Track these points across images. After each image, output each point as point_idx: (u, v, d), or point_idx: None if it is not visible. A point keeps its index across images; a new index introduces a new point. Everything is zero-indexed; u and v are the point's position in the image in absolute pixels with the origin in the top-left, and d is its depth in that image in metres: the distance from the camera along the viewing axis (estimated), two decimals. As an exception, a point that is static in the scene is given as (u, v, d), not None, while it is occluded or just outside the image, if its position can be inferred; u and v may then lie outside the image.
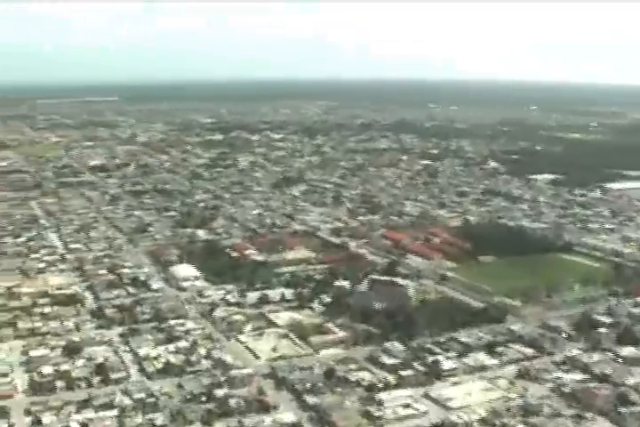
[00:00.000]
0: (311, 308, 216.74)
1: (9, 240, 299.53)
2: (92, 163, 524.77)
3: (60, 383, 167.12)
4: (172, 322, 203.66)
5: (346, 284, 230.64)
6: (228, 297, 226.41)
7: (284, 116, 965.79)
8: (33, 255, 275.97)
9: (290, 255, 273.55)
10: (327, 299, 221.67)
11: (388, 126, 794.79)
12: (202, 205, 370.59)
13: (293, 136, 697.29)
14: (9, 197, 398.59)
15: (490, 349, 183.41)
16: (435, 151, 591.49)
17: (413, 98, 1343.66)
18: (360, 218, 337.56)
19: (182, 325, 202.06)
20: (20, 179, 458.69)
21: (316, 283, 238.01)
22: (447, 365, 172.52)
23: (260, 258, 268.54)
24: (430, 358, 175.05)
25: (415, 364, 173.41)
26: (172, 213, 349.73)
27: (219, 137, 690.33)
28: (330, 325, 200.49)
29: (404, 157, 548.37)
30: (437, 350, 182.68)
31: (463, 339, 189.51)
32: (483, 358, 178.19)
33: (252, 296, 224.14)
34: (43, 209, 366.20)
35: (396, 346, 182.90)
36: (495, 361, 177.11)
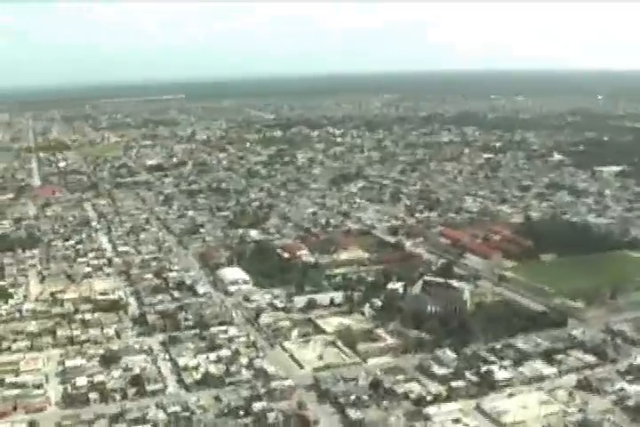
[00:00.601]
0: (361, 312, 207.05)
1: (59, 243, 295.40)
2: (149, 162, 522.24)
3: (93, 395, 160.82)
4: (215, 329, 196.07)
5: (399, 286, 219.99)
6: (276, 302, 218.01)
7: (345, 110, 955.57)
8: (80, 259, 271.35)
9: (343, 256, 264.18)
10: (378, 303, 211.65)
11: (451, 119, 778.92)
12: (256, 203, 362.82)
13: (354, 131, 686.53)
14: (64, 199, 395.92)
15: (548, 356, 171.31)
16: (498, 144, 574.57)
17: (477, 89, 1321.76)
18: (417, 215, 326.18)
19: (225, 332, 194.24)
20: (76, 180, 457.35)
21: (368, 285, 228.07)
22: (501, 374, 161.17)
23: (311, 259, 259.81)
24: (484, 368, 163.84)
25: (467, 373, 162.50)
26: (226, 213, 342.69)
27: (278, 133, 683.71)
28: (380, 331, 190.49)
29: (466, 151, 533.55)
30: (492, 358, 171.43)
31: (520, 346, 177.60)
32: (540, 366, 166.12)
33: (300, 300, 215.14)
34: (96, 211, 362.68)
35: (448, 354, 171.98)
36: (553, 370, 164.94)
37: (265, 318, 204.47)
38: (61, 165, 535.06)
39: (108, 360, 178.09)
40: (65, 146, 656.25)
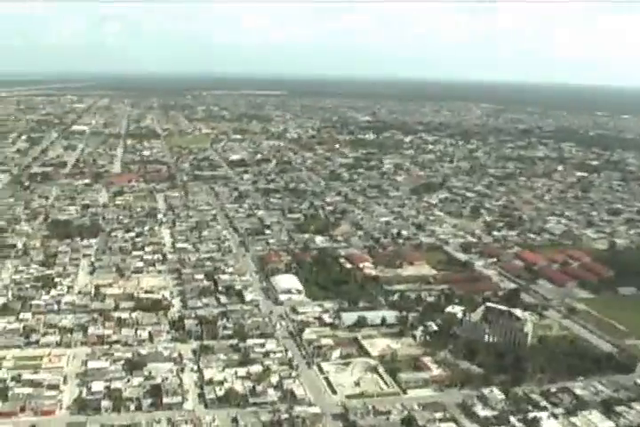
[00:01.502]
0: (413, 336, 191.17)
1: (119, 234, 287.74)
2: (233, 157, 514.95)
3: (106, 403, 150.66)
4: (252, 342, 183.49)
5: (458, 310, 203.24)
6: (324, 316, 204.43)
7: (443, 117, 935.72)
8: (135, 253, 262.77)
9: (407, 271, 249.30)
10: (433, 327, 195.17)
11: (550, 133, 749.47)
12: (330, 208, 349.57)
13: (447, 139, 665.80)
14: (138, 188, 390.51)
15: (608, 407, 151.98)
16: (594, 162, 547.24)
17: (582, 104, 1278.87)
18: (495, 233, 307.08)
19: (262, 346, 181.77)
20: (156, 169, 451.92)
21: (426, 306, 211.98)
22: (550, 424, 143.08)
23: (372, 272, 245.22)
24: (532, 414, 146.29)
25: (512, 418, 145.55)
26: (297, 216, 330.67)
27: (371, 136, 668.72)
28: (427, 359, 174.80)
29: (559, 168, 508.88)
30: (544, 402, 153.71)
31: (578, 391, 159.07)
32: (596, 418, 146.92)
33: (350, 317, 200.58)
34: (166, 203, 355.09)
35: (496, 394, 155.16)
36: (611, 424, 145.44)
37: (308, 334, 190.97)
38: (145, 153, 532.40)
39: (133, 366, 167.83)
40: (155, 134, 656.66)
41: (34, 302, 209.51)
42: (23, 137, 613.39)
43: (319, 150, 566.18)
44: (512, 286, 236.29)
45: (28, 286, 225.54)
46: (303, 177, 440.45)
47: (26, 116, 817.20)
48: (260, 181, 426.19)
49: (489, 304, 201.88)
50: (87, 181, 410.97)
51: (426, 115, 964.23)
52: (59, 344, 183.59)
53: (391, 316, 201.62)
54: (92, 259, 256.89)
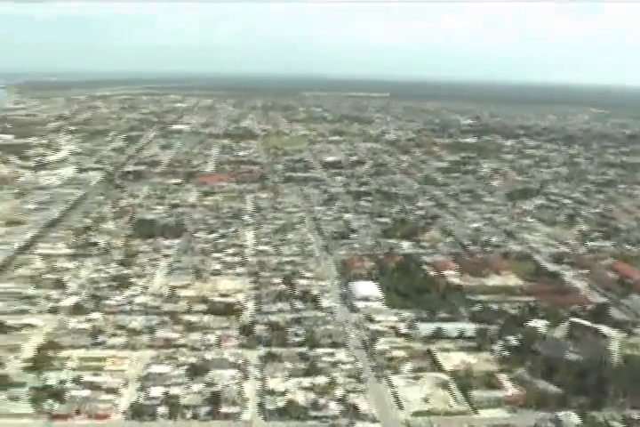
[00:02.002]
0: (491, 350, 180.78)
1: (202, 235, 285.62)
2: (328, 159, 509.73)
3: (162, 410, 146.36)
4: (322, 350, 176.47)
5: (541, 325, 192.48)
6: (400, 326, 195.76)
7: (548, 121, 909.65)
8: (215, 254, 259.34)
9: (492, 281, 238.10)
10: (513, 341, 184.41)
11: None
12: (420, 212, 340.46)
13: (549, 144, 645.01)
14: (228, 189, 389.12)
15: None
16: None
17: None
18: (589, 243, 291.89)
19: (332, 355, 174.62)
20: (248, 170, 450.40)
21: (508, 319, 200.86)
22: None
23: (456, 281, 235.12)
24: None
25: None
26: (385, 220, 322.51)
27: (471, 140, 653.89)
28: (503, 376, 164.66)
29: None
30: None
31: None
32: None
33: (426, 328, 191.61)
34: (254, 204, 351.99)
35: (572, 418, 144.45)
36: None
37: (381, 345, 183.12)
38: (240, 153, 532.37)
39: (195, 371, 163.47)
40: (252, 135, 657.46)
41: (106, 302, 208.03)
42: (122, 135, 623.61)
43: (416, 153, 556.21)
44: (602, 299, 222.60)
45: (104, 285, 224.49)
46: (396, 180, 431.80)
47: (128, 114, 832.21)
48: (352, 183, 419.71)
49: (574, 319, 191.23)
50: (179, 180, 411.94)
51: (529, 119, 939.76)
52: (125, 346, 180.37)
53: (470, 328, 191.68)
54: (172, 259, 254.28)
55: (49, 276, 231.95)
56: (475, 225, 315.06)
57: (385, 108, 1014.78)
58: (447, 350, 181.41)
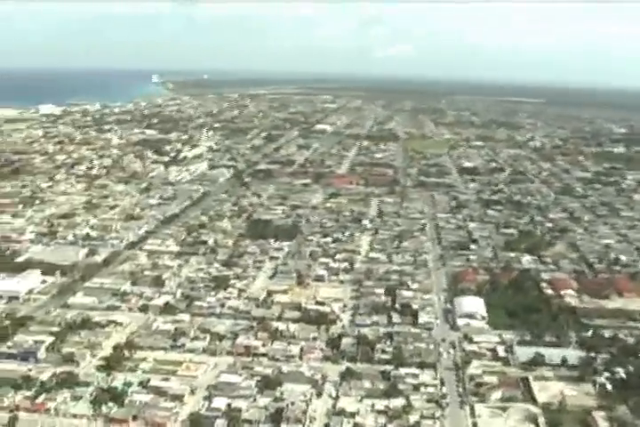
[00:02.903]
0: (594, 382, 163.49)
1: (314, 239, 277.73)
2: (466, 164, 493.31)
3: (220, 422, 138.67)
4: (406, 370, 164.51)
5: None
6: (499, 348, 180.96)
7: None
8: (323, 259, 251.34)
9: (613, 304, 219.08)
10: (621, 374, 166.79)
11: None
12: (549, 225, 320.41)
13: None
14: (356, 191, 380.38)
15: None
16: None
17: None
18: None
19: (415, 376, 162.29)
20: (381, 173, 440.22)
21: (620, 348, 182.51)
22: None
23: (572, 302, 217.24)
24: None
25: None
26: (510, 231, 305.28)
27: (620, 150, 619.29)
28: (600, 414, 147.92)
29: None
30: None
31: None
32: None
33: (526, 352, 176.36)
34: (378, 208, 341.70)
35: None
36: None
37: (474, 368, 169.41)
38: (378, 155, 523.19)
39: (267, 383, 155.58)
40: (394, 137, 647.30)
41: (197, 303, 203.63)
42: (263, 134, 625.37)
43: (559, 161, 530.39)
44: None
45: (201, 285, 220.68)
46: (532, 189, 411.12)
47: (275, 113, 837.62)
48: (485, 190, 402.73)
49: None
50: (307, 180, 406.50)
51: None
52: (204, 351, 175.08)
53: (575, 355, 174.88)
54: (278, 262, 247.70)
55: (149, 273, 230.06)
56: (606, 241, 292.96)
57: (537, 114, 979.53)
58: (545, 378, 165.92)
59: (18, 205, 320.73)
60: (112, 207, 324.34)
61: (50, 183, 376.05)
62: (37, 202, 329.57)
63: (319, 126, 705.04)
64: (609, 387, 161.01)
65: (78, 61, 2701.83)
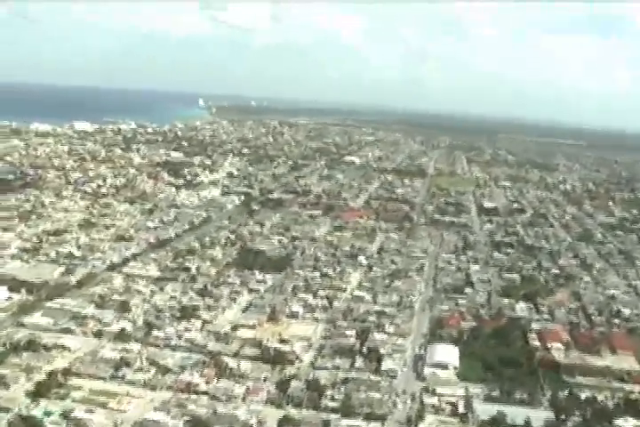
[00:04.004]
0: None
1: (302, 273, 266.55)
2: (487, 204, 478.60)
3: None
4: (350, 422, 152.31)
5: (632, 424, 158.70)
6: (460, 403, 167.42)
7: None
8: (303, 295, 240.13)
9: (603, 361, 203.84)
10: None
11: None
12: (556, 271, 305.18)
13: None
14: (363, 226, 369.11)
15: None
16: None
17: None
18: None
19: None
20: (395, 208, 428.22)
21: (594, 412, 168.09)
22: None
23: (558, 356, 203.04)
24: None
25: None
26: (513, 276, 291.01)
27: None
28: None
29: None
30: None
31: None
32: None
33: (487, 411, 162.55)
34: (380, 245, 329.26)
35: None
36: None
37: (427, 424, 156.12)
38: (399, 191, 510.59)
39: (196, 425, 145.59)
40: (422, 173, 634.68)
41: (155, 333, 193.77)
42: (289, 162, 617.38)
43: (586, 206, 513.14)
44: None
45: (167, 313, 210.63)
46: (549, 233, 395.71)
47: (309, 142, 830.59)
48: (499, 232, 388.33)
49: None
50: (317, 212, 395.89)
51: None
52: (145, 384, 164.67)
53: (541, 417, 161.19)
54: (255, 295, 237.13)
55: (117, 297, 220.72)
56: (611, 292, 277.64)
57: (575, 157, 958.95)
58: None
59: (14, 219, 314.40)
60: (108, 227, 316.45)
61: (54, 199, 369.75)
62: (34, 217, 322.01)
63: (348, 158, 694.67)
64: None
65: (129, 81, 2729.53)
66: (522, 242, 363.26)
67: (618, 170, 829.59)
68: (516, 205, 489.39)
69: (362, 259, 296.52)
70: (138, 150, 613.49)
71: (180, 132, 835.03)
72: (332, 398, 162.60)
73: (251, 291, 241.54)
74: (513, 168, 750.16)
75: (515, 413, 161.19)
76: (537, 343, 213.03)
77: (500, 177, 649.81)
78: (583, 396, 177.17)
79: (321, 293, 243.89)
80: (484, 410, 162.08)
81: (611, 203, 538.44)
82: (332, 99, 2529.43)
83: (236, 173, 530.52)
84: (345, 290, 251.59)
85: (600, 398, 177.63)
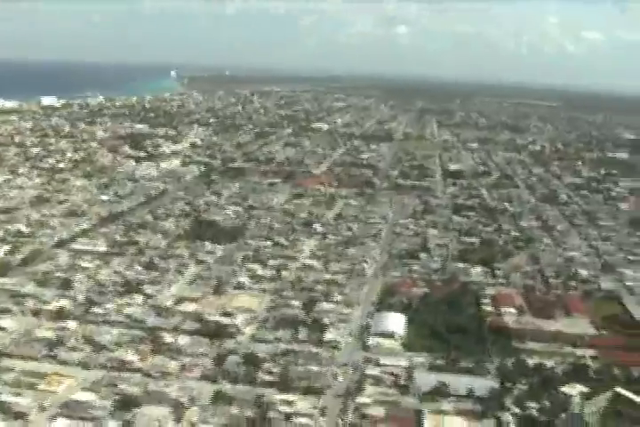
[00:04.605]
0: (497, 419, 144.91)
1: (254, 242, 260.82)
2: (452, 167, 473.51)
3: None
4: (284, 396, 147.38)
5: (576, 392, 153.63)
6: (403, 374, 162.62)
7: None
8: (252, 265, 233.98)
9: (556, 325, 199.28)
10: (532, 411, 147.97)
11: None
12: (516, 234, 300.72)
13: None
14: (322, 193, 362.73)
15: None
16: None
17: None
18: None
19: (289, 403, 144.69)
20: (358, 174, 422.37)
21: (544, 379, 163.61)
22: None
23: (509, 321, 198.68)
24: None
25: None
26: (472, 240, 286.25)
27: (623, 156, 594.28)
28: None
29: None
30: None
31: None
32: None
33: (428, 381, 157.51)
34: (339, 211, 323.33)
35: None
36: None
37: (365, 397, 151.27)
38: (364, 156, 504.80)
39: (124, 404, 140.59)
40: (389, 138, 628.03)
41: (94, 310, 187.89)
42: (255, 130, 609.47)
43: (553, 167, 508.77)
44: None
45: (111, 289, 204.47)
46: (513, 195, 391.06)
47: (278, 111, 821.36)
48: (462, 195, 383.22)
49: (619, 389, 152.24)
50: (277, 180, 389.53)
51: None
52: (79, 363, 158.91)
53: (485, 386, 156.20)
54: (203, 267, 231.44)
55: (61, 274, 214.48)
56: (571, 253, 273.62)
57: (548, 118, 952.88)
58: (444, 412, 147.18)
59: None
60: (61, 202, 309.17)
61: (10, 176, 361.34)
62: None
63: (316, 125, 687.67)
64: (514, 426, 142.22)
65: (101, 55, 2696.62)
66: (484, 205, 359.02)
67: (589, 130, 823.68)
68: (482, 168, 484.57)
69: (317, 226, 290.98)
70: (102, 124, 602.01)
71: (147, 105, 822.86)
72: (269, 373, 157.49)
73: (199, 262, 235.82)
74: (483, 131, 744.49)
75: (458, 382, 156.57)
76: (490, 309, 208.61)
77: (468, 139, 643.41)
78: (532, 362, 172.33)
79: (271, 262, 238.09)
80: (426, 380, 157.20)
81: (579, 163, 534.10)
82: (308, 66, 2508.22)
83: (199, 143, 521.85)
84: (296, 259, 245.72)
85: (549, 364, 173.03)
